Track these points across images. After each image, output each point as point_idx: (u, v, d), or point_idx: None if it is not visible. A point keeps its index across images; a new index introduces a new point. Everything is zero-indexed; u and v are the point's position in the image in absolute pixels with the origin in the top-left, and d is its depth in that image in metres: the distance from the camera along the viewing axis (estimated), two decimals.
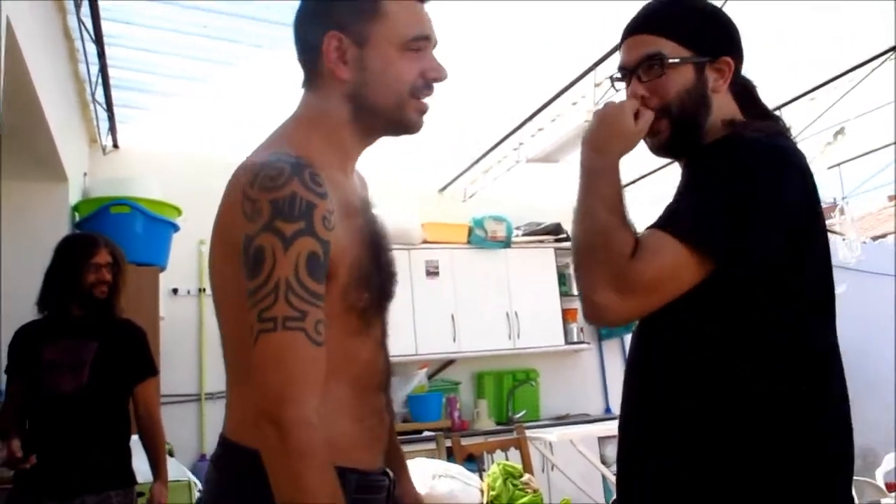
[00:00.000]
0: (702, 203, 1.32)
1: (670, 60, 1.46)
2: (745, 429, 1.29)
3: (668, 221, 1.33)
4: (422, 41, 1.36)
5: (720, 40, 1.50)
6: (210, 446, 5.49)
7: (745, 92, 1.57)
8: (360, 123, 1.37)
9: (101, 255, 3.01)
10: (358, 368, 1.34)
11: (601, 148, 1.51)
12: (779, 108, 5.14)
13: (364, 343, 1.35)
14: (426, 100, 1.39)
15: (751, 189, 1.29)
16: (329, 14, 1.34)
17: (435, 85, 1.40)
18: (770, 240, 1.29)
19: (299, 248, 1.16)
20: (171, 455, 4.24)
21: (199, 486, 3.98)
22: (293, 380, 1.13)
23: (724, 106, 1.50)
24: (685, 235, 1.29)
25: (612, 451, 6.28)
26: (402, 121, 1.38)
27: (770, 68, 4.63)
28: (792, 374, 1.32)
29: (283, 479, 1.12)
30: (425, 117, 1.45)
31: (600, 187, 1.46)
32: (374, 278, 1.35)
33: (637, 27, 1.53)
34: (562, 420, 6.40)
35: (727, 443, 1.29)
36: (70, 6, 3.70)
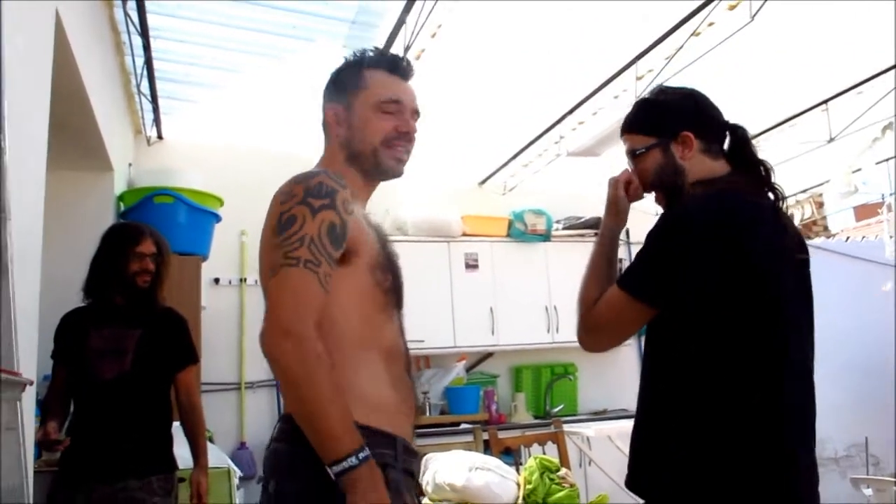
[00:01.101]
0: (640, 258, 1.73)
1: (639, 152, 1.91)
2: (709, 427, 1.64)
3: (621, 275, 1.79)
4: (393, 104, 1.72)
5: (676, 120, 1.86)
6: (250, 434, 5.56)
7: (735, 144, 1.90)
8: (355, 167, 1.73)
9: (145, 244, 3.05)
10: (386, 342, 1.60)
11: (603, 215, 2.04)
12: (825, 101, 5.06)
13: (390, 320, 1.62)
14: (405, 151, 1.75)
15: (676, 245, 1.66)
16: (331, 91, 1.79)
17: (413, 137, 1.77)
18: (695, 285, 1.63)
19: (323, 216, 1.48)
20: (212, 442, 4.30)
21: (239, 472, 4.03)
22: (306, 306, 1.42)
23: (696, 168, 1.84)
24: (625, 286, 1.74)
25: None
26: (380, 164, 1.73)
27: (817, 63, 4.56)
28: (741, 387, 1.64)
29: (298, 381, 1.39)
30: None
31: (593, 249, 2.00)
32: (392, 269, 1.65)
33: (621, 130, 1.98)
34: (599, 415, 6.36)
35: (701, 439, 1.64)
36: (118, 0, 3.75)
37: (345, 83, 1.77)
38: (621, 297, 1.73)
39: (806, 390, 1.80)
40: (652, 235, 1.73)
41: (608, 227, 2.01)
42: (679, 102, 1.92)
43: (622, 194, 2.00)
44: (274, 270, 1.45)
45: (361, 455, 1.37)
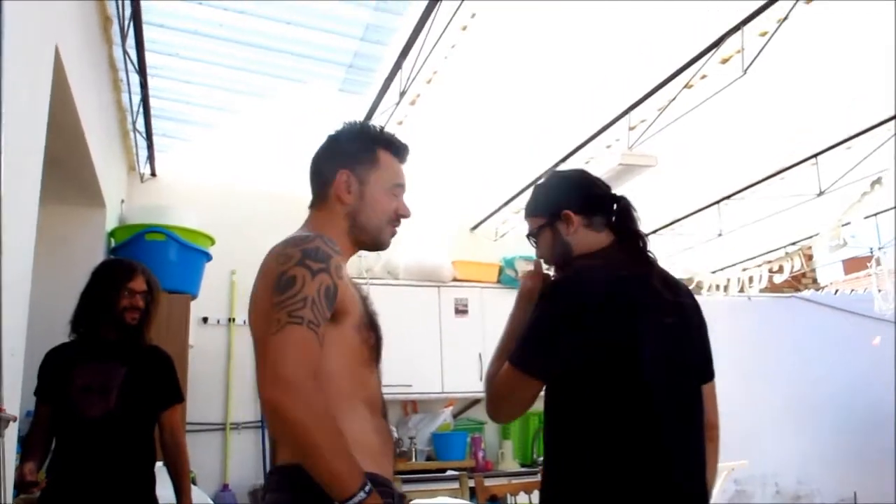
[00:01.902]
0: (525, 334, 1.90)
1: (533, 232, 2.15)
2: (590, 472, 1.82)
3: (511, 352, 1.90)
4: (399, 188, 1.91)
5: (558, 201, 2.07)
6: (233, 476, 5.48)
7: (618, 216, 2.09)
8: (352, 236, 1.86)
9: (137, 281, 3.04)
10: (369, 393, 1.73)
11: (515, 303, 2.15)
12: (815, 155, 5.12)
13: (372, 374, 1.76)
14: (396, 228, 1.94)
15: (549, 319, 1.86)
16: (343, 157, 1.88)
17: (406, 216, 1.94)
18: (566, 353, 1.81)
19: (320, 280, 1.59)
20: (195, 483, 4.24)
21: None
22: (308, 361, 1.51)
23: (581, 242, 2.03)
24: (515, 363, 1.87)
25: None
26: (381, 240, 1.90)
27: (807, 117, 4.62)
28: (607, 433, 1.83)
29: (301, 430, 1.46)
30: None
31: (505, 329, 2.11)
32: (374, 327, 1.79)
33: (524, 215, 2.23)
34: None
35: (583, 484, 1.83)
36: (116, 38, 3.79)
37: (356, 155, 1.87)
38: (513, 373, 1.86)
39: (684, 431, 1.93)
40: (534, 309, 1.93)
41: (520, 314, 2.07)
42: (560, 184, 2.17)
43: (534, 286, 2.09)
44: (279, 326, 1.52)
45: (367, 489, 1.48)
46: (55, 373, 2.96)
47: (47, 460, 2.94)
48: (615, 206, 2.10)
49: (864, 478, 7.48)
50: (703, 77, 4.02)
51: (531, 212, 2.18)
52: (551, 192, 2.16)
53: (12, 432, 2.14)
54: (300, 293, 1.55)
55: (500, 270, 6.34)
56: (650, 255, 2.07)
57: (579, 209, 2.05)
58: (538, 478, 4.76)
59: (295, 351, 1.50)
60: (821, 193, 5.33)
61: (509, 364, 1.88)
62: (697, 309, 2.15)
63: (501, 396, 1.93)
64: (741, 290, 6.99)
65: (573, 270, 2.00)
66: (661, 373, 1.89)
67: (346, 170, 1.85)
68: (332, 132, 1.96)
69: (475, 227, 6.64)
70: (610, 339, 1.83)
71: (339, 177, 1.84)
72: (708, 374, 2.18)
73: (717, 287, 7.05)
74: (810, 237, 6.32)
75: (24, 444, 2.90)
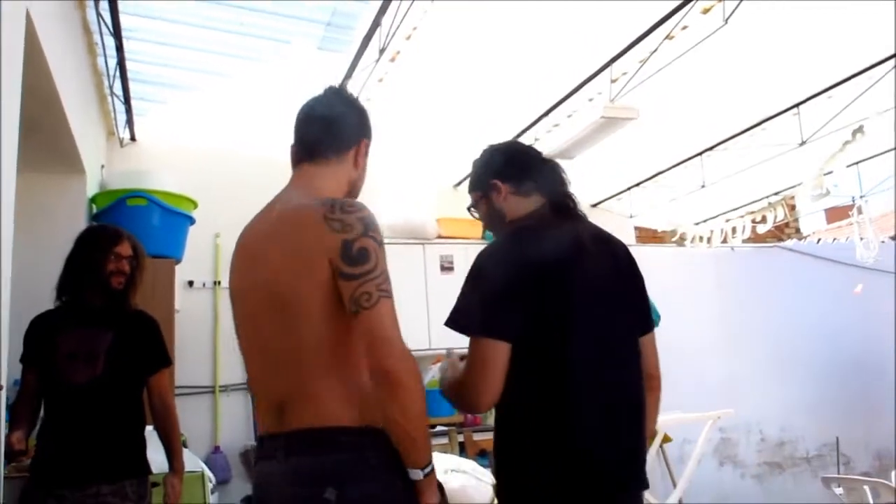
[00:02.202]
0: (468, 308, 1.95)
1: (472, 205, 2.29)
2: (515, 428, 1.95)
3: (472, 328, 1.94)
4: None
5: (486, 173, 2.20)
6: (224, 438, 5.52)
7: (548, 180, 2.21)
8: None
9: (123, 246, 3.03)
10: None
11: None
12: (797, 105, 5.12)
13: None
14: None
15: (490, 284, 1.91)
16: (366, 127, 1.98)
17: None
18: (518, 311, 1.86)
19: (384, 251, 1.67)
20: (186, 447, 4.26)
21: (213, 478, 4.00)
22: (400, 332, 1.63)
23: (513, 208, 2.15)
24: (476, 332, 1.91)
25: None
26: None
27: (789, 67, 4.61)
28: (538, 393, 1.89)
29: (417, 398, 1.61)
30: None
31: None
32: None
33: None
34: None
35: (511, 441, 1.96)
36: (90, 1, 3.72)
37: (370, 130, 1.99)
38: (481, 344, 1.89)
39: (617, 386, 1.98)
40: (472, 281, 1.97)
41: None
42: (490, 157, 2.27)
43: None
44: (373, 301, 1.61)
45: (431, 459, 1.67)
46: (40, 339, 2.95)
47: (36, 427, 2.95)
48: (544, 171, 2.22)
49: (846, 424, 7.62)
50: (685, 28, 4.00)
51: (470, 187, 2.31)
52: (482, 165, 2.27)
53: (0, 401, 2.14)
54: (378, 266, 1.64)
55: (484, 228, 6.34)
56: (580, 213, 2.23)
57: (506, 177, 2.16)
58: None
59: (396, 324, 1.62)
60: (803, 143, 5.34)
61: (475, 339, 1.90)
62: (632, 262, 2.22)
63: (475, 379, 1.91)
64: (724, 241, 7.03)
65: (502, 235, 2.13)
66: (591, 328, 1.94)
67: (367, 140, 1.95)
68: (354, 98, 2.07)
69: (458, 184, 6.62)
70: (540, 297, 1.89)
71: (363, 143, 1.93)
72: (646, 327, 2.23)
73: (701, 238, 7.08)
74: (793, 187, 6.34)
75: (12, 411, 2.91)
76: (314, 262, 1.64)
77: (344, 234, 1.63)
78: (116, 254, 3.00)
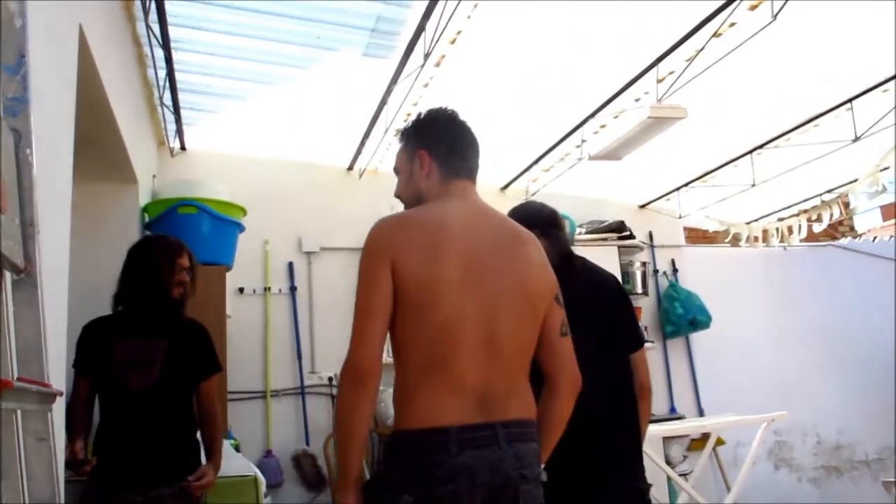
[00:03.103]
0: None
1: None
2: None
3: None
4: None
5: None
6: (276, 442, 5.58)
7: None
8: None
9: (184, 258, 3.11)
10: None
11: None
12: (850, 100, 5.00)
13: None
14: None
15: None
16: None
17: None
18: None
19: None
20: (238, 450, 4.32)
21: (265, 481, 4.04)
22: None
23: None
24: None
25: (676, 451, 6.18)
26: None
27: (841, 60, 4.51)
28: None
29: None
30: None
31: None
32: None
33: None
34: None
35: None
36: (139, 13, 3.79)
37: None
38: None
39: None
40: None
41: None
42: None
43: None
44: (568, 329, 2.03)
45: None
46: (94, 346, 3.00)
47: (93, 433, 3.01)
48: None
49: None
50: (732, 25, 3.94)
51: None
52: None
53: (60, 407, 2.19)
54: None
55: None
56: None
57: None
58: None
59: None
60: (857, 139, 5.21)
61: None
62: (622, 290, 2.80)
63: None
64: (781, 241, 6.89)
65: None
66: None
67: None
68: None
69: (505, 187, 6.61)
70: None
71: None
72: (636, 344, 2.74)
73: (756, 238, 6.96)
74: (847, 184, 6.20)
75: (68, 418, 2.97)
76: (552, 283, 2.01)
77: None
78: (178, 265, 3.07)
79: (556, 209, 2.75)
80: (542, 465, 1.91)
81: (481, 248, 1.90)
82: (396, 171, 2.16)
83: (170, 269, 3.04)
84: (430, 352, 1.82)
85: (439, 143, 2.07)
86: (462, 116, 2.17)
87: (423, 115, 2.16)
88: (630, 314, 2.77)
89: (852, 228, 8.59)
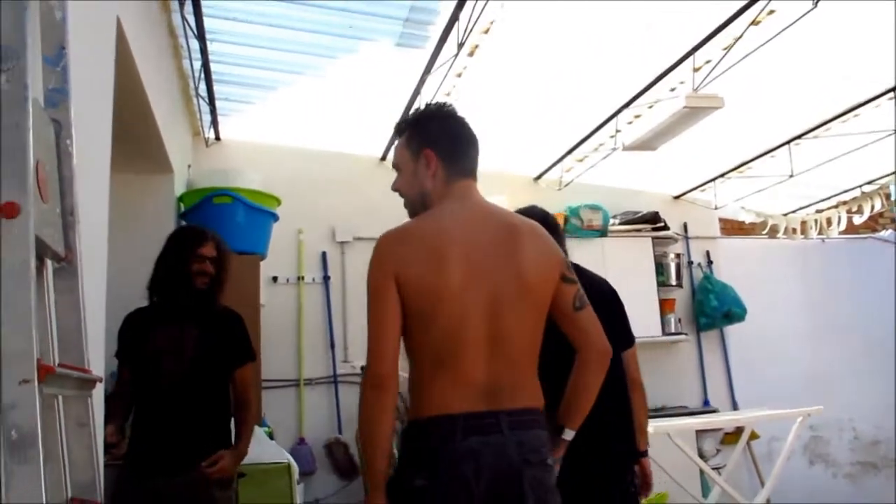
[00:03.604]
0: None
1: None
2: None
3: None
4: None
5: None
6: (308, 430, 5.62)
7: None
8: None
9: (207, 247, 3.12)
10: None
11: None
12: (892, 90, 4.90)
13: None
14: None
15: None
16: None
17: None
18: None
19: None
20: (271, 438, 4.37)
21: (298, 468, 4.08)
22: None
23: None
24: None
25: (709, 445, 6.13)
26: None
27: (883, 48, 4.42)
28: None
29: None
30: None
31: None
32: None
33: None
34: (658, 412, 6.27)
35: None
36: (175, 4, 3.83)
37: None
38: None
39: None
40: None
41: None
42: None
43: None
44: (584, 304, 2.10)
45: None
46: (133, 335, 3.08)
47: (130, 419, 3.07)
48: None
49: None
50: (771, 12, 3.87)
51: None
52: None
53: (99, 393, 2.22)
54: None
55: (566, 220, 6.29)
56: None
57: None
58: None
59: None
60: None
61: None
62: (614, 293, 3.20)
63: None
64: (820, 233, 6.78)
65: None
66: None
67: None
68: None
69: (539, 177, 6.58)
70: None
71: None
72: (627, 343, 3.07)
73: (794, 230, 6.86)
74: (888, 175, 6.08)
75: (107, 405, 3.03)
76: (555, 265, 2.08)
77: (565, 257, 2.15)
78: (200, 255, 3.09)
79: (555, 210, 2.93)
80: (572, 435, 2.12)
81: (481, 249, 2.00)
82: (396, 167, 2.20)
83: (192, 259, 3.07)
84: (437, 352, 1.95)
85: (443, 141, 2.12)
86: (461, 113, 2.21)
87: (423, 112, 2.22)
88: (623, 315, 3.16)
89: (893, 220, 8.42)
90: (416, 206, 2.14)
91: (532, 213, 2.80)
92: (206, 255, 3.10)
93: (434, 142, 2.11)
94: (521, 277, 1.99)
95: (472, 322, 1.94)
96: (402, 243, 2.01)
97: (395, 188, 2.20)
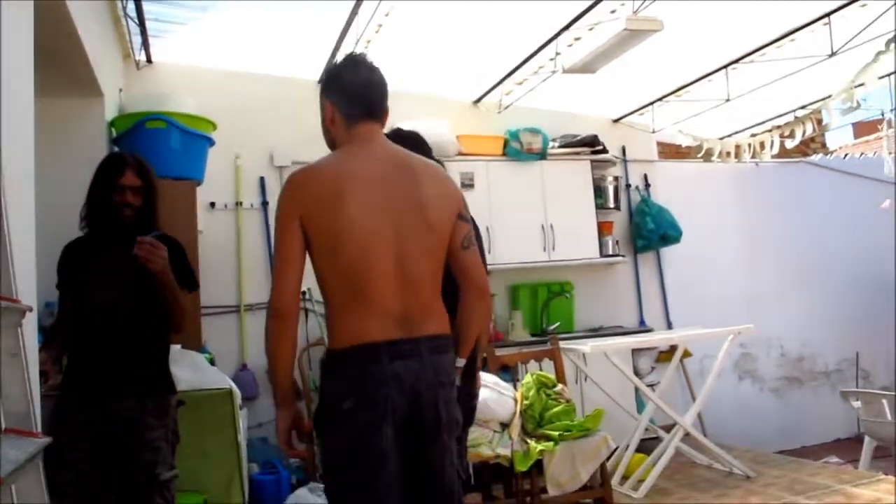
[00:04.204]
0: None
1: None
2: None
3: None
4: None
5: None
6: (251, 356, 5.64)
7: None
8: None
9: (127, 177, 2.99)
10: None
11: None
12: (828, 15, 4.95)
13: None
14: None
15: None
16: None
17: None
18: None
19: None
20: (213, 364, 4.37)
21: (239, 393, 4.10)
22: None
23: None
24: None
25: (645, 363, 6.34)
26: None
27: None
28: None
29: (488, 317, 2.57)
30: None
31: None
32: None
33: None
34: (596, 332, 6.45)
35: None
36: None
37: None
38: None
39: None
40: None
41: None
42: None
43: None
44: (472, 244, 2.34)
45: None
46: (70, 264, 3.02)
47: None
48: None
49: (867, 338, 7.64)
50: None
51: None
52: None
53: (31, 323, 2.19)
54: None
55: (505, 143, 6.29)
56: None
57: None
58: (548, 346, 4.90)
59: None
60: (833, 54, 5.19)
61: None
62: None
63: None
64: (753, 157, 6.92)
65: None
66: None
67: None
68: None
69: (478, 101, 6.55)
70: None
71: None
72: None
73: (728, 154, 6.98)
74: (821, 100, 6.20)
75: (46, 335, 2.99)
76: (454, 203, 2.30)
77: (459, 190, 2.40)
78: (120, 186, 2.98)
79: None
80: (463, 362, 2.35)
81: (380, 187, 2.18)
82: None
83: (113, 191, 2.97)
84: (346, 286, 2.14)
85: (340, 90, 2.30)
86: (370, 58, 2.36)
87: (331, 65, 2.46)
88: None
89: (824, 145, 8.64)
90: (331, 150, 2.36)
91: (401, 135, 2.99)
92: (126, 185, 2.98)
93: (332, 92, 2.31)
94: (422, 212, 2.20)
95: (378, 255, 2.13)
96: (303, 186, 2.18)
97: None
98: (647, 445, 5.43)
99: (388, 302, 2.13)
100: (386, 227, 2.15)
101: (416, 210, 2.19)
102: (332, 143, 2.36)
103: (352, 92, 2.29)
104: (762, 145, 6.72)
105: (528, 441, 4.24)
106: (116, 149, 4.50)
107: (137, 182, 3.00)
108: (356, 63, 2.33)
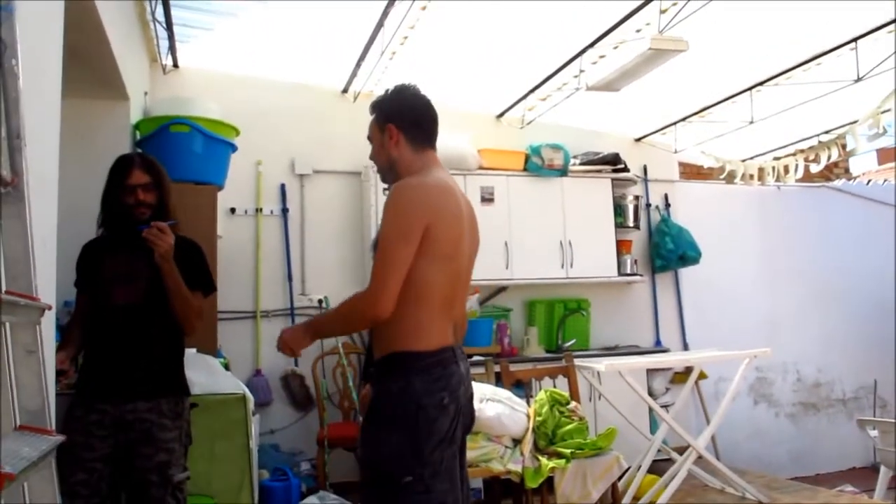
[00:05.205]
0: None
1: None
2: None
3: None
4: None
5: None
6: (265, 362, 5.65)
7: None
8: None
9: (135, 175, 2.99)
10: None
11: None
12: (854, 40, 4.92)
13: None
14: None
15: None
16: None
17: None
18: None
19: None
20: (227, 369, 4.37)
21: (253, 399, 4.10)
22: None
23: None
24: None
25: (659, 383, 6.29)
26: None
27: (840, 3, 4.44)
28: None
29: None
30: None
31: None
32: None
33: None
34: (611, 351, 6.41)
35: None
36: None
37: None
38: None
39: None
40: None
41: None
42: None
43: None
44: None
45: None
46: (89, 263, 3.03)
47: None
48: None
49: (885, 366, 7.55)
50: None
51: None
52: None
53: (49, 320, 2.20)
54: None
55: (527, 158, 6.29)
56: None
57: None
58: (563, 363, 4.88)
59: None
60: (858, 79, 5.16)
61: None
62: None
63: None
64: (777, 180, 6.87)
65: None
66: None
67: None
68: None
69: (501, 115, 6.56)
70: None
71: None
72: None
73: (752, 176, 6.93)
74: (846, 125, 6.15)
75: (62, 333, 3.00)
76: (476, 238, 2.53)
77: None
78: (129, 186, 2.98)
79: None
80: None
81: (466, 210, 2.41)
82: (369, 139, 2.50)
83: (122, 191, 2.97)
84: (448, 291, 2.30)
85: (404, 115, 2.43)
86: (422, 91, 2.51)
87: (390, 91, 2.51)
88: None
89: (847, 171, 8.56)
90: (385, 171, 2.47)
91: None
92: (135, 184, 2.98)
93: (396, 116, 2.42)
94: (473, 239, 2.47)
95: (465, 270, 2.41)
96: (433, 195, 2.30)
97: (370, 157, 2.52)
98: (659, 466, 5.38)
99: (453, 309, 2.37)
100: (466, 247, 2.40)
101: (472, 237, 2.46)
102: (390, 165, 2.45)
103: (422, 121, 2.46)
104: (786, 169, 6.68)
105: (540, 457, 4.21)
106: (140, 150, 4.54)
107: (145, 178, 3.00)
108: (418, 94, 2.49)
